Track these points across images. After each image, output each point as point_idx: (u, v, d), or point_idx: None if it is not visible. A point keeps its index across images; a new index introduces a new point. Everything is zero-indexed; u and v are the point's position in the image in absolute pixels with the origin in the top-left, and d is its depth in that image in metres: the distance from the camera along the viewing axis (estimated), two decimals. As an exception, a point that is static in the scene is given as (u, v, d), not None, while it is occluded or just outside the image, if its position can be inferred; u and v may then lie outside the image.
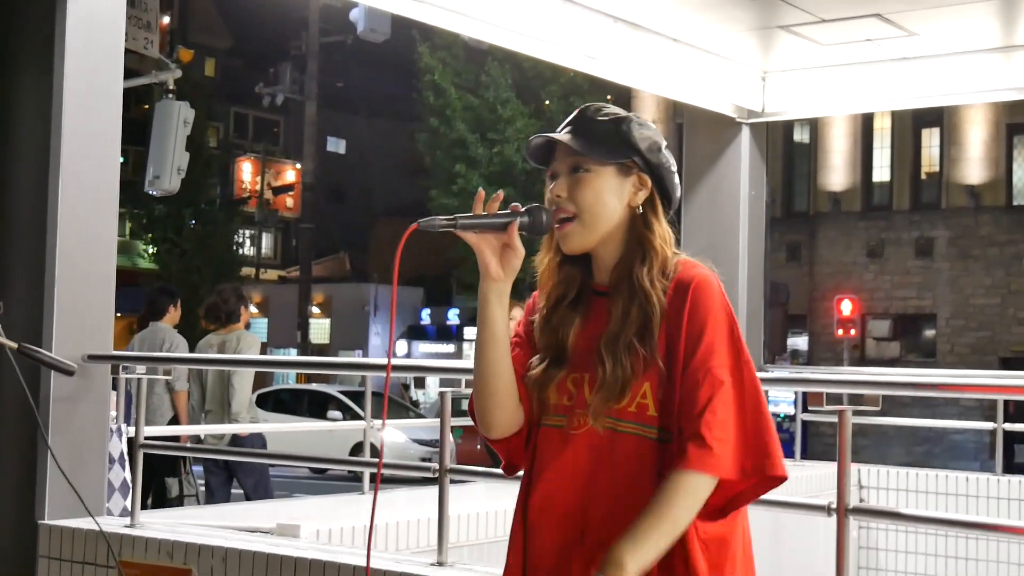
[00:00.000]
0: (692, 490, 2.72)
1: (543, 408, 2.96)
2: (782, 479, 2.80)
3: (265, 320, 44.49)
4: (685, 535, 2.75)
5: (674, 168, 3.00)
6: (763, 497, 2.87)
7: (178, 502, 10.56)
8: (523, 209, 2.88)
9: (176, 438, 9.98)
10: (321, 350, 42.78)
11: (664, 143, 2.98)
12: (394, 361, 4.95)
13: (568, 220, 2.91)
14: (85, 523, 5.76)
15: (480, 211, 2.86)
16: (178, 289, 12.24)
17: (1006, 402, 9.65)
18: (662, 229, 2.94)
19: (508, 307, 2.94)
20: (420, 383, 38.46)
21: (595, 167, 2.92)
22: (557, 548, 2.87)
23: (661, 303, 2.84)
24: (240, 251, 43.18)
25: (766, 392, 2.92)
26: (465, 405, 3.63)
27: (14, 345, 4.38)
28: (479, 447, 20.35)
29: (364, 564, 3.21)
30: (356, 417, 24.05)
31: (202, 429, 10.19)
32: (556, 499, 2.88)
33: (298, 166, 48.25)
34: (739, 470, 2.74)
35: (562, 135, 2.95)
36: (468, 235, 2.84)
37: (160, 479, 10.47)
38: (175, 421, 10.67)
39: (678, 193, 3.03)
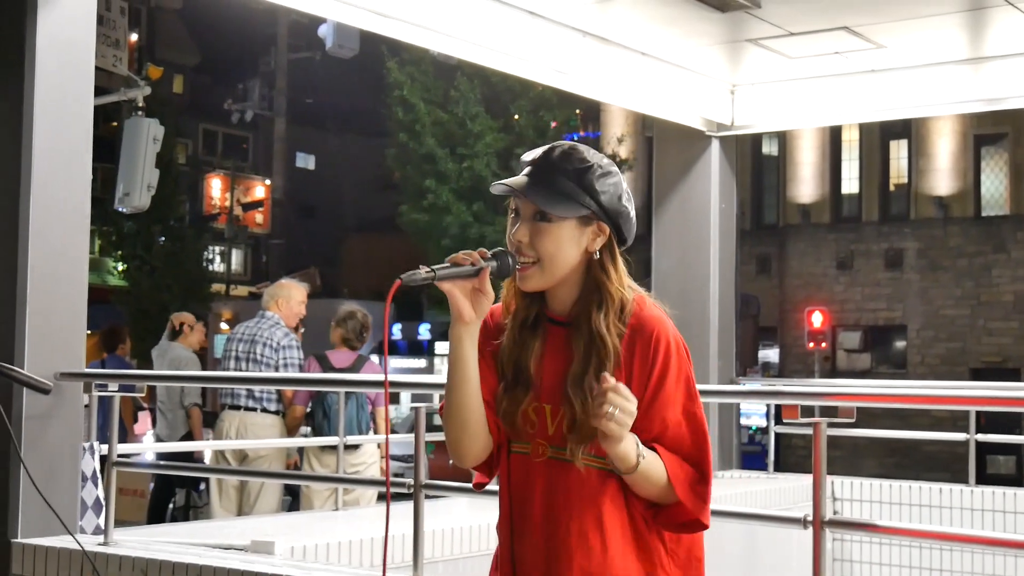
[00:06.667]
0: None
1: (512, 433, 3.12)
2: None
3: (236, 336, 44.11)
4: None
5: (633, 215, 3.13)
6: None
7: (183, 513, 10.61)
8: (490, 255, 3.01)
9: (189, 455, 10.01)
10: (292, 366, 42.50)
11: (626, 191, 3.11)
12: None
13: (528, 264, 3.05)
14: (59, 541, 5.73)
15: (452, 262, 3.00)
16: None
17: (978, 413, 9.66)
18: (618, 273, 3.09)
19: (477, 346, 3.06)
20: (395, 398, 38.23)
21: (556, 218, 3.04)
22: (542, 561, 3.07)
23: (616, 348, 3.00)
24: (210, 267, 42.89)
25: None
26: (437, 420, 3.64)
27: (-13, 364, 4.36)
28: (451, 463, 20.33)
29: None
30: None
31: (211, 445, 10.13)
32: (530, 522, 3.08)
33: (267, 182, 48.15)
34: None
35: (526, 187, 3.05)
36: (444, 284, 2.97)
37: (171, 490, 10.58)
38: (188, 437, 10.73)
39: (633, 233, 3.15)
